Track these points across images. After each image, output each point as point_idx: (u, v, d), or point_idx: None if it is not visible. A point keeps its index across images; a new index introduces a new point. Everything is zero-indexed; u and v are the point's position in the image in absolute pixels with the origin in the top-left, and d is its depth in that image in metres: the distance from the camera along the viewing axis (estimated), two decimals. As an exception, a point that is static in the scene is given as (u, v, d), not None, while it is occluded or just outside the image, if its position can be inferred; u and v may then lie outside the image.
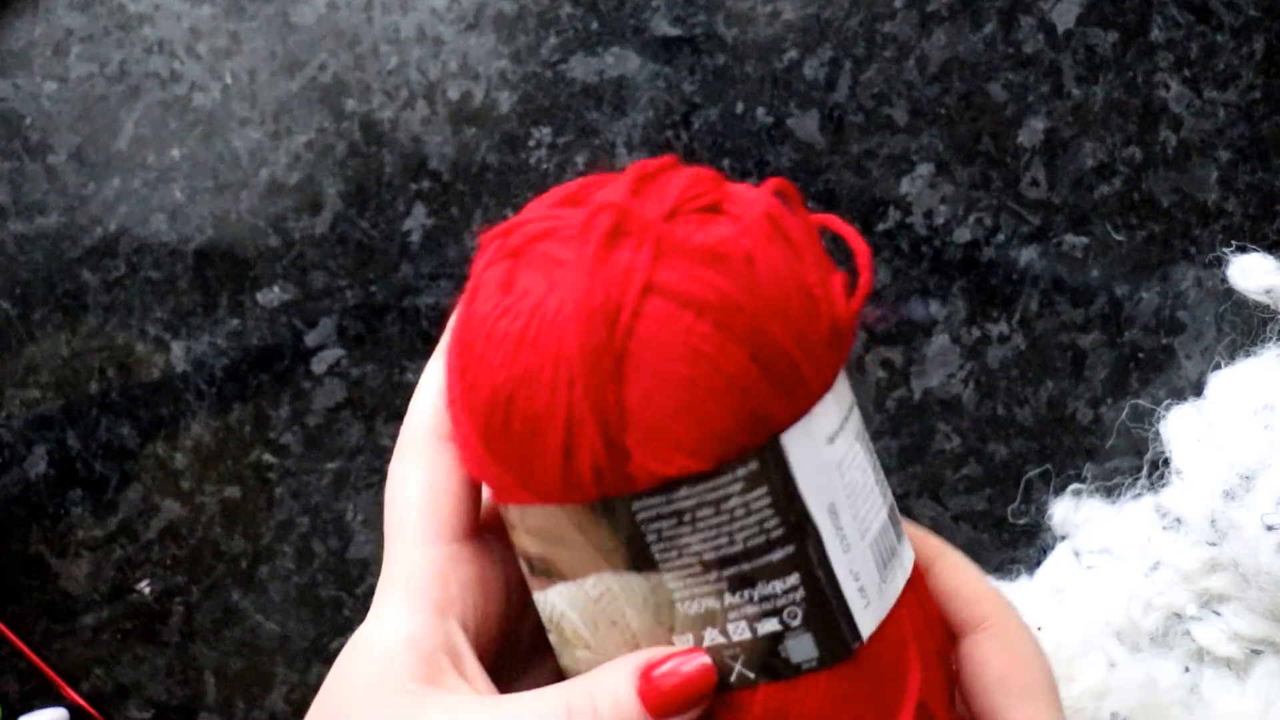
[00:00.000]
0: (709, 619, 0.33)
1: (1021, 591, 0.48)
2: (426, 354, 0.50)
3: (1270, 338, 0.48)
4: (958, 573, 0.38)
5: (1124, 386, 0.50)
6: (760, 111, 0.50)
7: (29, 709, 0.50)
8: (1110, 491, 0.48)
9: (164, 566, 0.51)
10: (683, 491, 0.32)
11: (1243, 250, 0.49)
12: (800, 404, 0.34)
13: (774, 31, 0.50)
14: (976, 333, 0.50)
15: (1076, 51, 0.50)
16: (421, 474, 0.36)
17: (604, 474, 0.32)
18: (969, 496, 0.50)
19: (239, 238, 0.51)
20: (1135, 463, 0.49)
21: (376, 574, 0.50)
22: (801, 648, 0.33)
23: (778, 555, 0.33)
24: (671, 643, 0.34)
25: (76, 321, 0.51)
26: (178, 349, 0.51)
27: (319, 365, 0.51)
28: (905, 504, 0.50)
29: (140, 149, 0.51)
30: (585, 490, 0.33)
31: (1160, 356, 0.50)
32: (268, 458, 0.51)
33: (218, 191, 0.51)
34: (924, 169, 0.50)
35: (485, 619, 0.36)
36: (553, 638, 0.36)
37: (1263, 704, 0.44)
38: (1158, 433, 0.48)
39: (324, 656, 0.51)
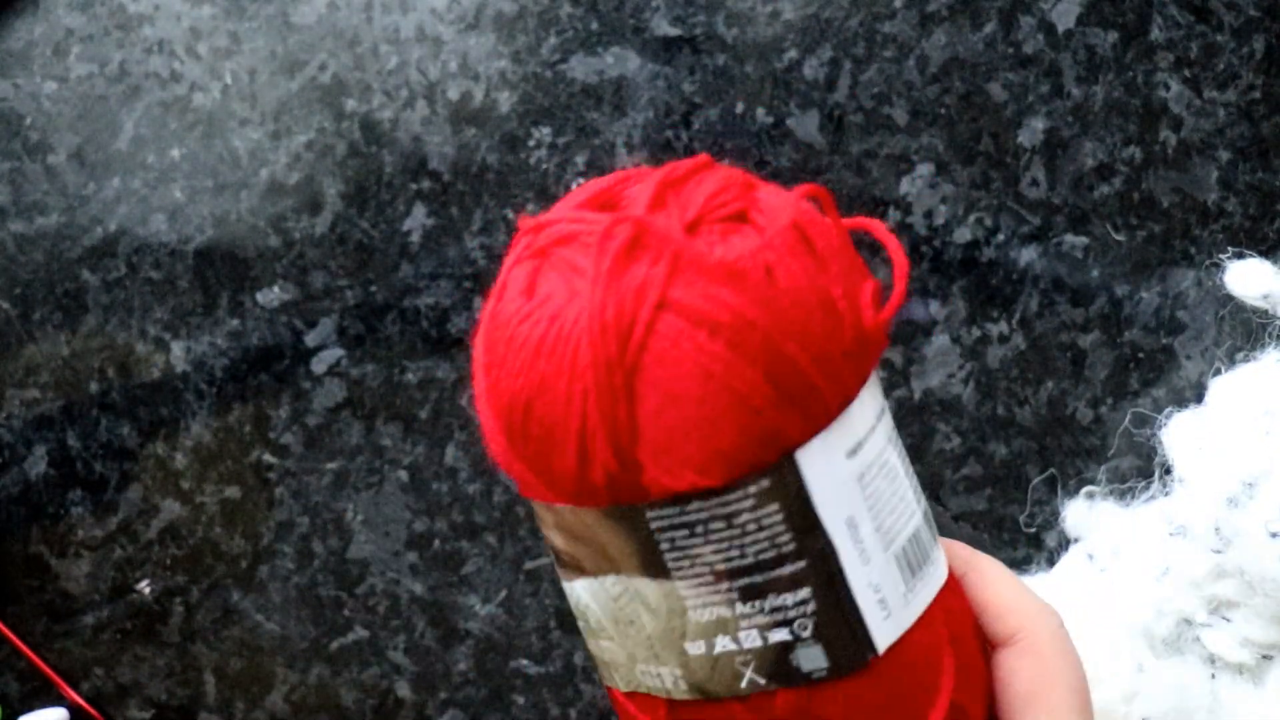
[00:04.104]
0: (720, 627, 0.33)
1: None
2: (426, 354, 0.50)
3: (1269, 342, 0.48)
4: (988, 585, 0.37)
5: (1124, 387, 0.50)
6: (760, 111, 0.50)
7: (29, 709, 0.50)
8: (1123, 494, 0.48)
9: (164, 566, 0.51)
10: (694, 505, 0.32)
11: (1239, 256, 0.49)
12: (817, 420, 0.33)
13: (774, 31, 0.50)
14: (976, 333, 0.50)
15: (1076, 51, 0.50)
16: None
17: (617, 483, 0.32)
18: (969, 496, 0.50)
19: (239, 238, 0.51)
20: (1136, 463, 0.49)
21: (376, 574, 0.50)
22: (812, 658, 0.33)
23: (788, 570, 0.33)
24: (684, 649, 0.34)
25: (76, 321, 0.51)
26: (178, 349, 0.51)
27: (319, 365, 0.51)
28: (905, 504, 0.50)
29: (140, 149, 0.51)
30: (599, 497, 0.33)
31: (1160, 357, 0.50)
32: (268, 458, 0.51)
33: (218, 191, 0.51)
34: (924, 169, 0.50)
35: None
36: (581, 624, 0.36)
37: (1283, 706, 0.44)
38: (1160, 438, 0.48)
39: (324, 656, 0.51)
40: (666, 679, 0.34)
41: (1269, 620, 0.44)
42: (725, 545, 0.33)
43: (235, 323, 0.51)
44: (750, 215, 0.34)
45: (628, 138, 0.50)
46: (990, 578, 0.37)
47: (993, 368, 0.50)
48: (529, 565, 0.50)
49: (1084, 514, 0.48)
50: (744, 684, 0.34)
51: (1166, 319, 0.50)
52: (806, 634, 0.33)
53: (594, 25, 0.50)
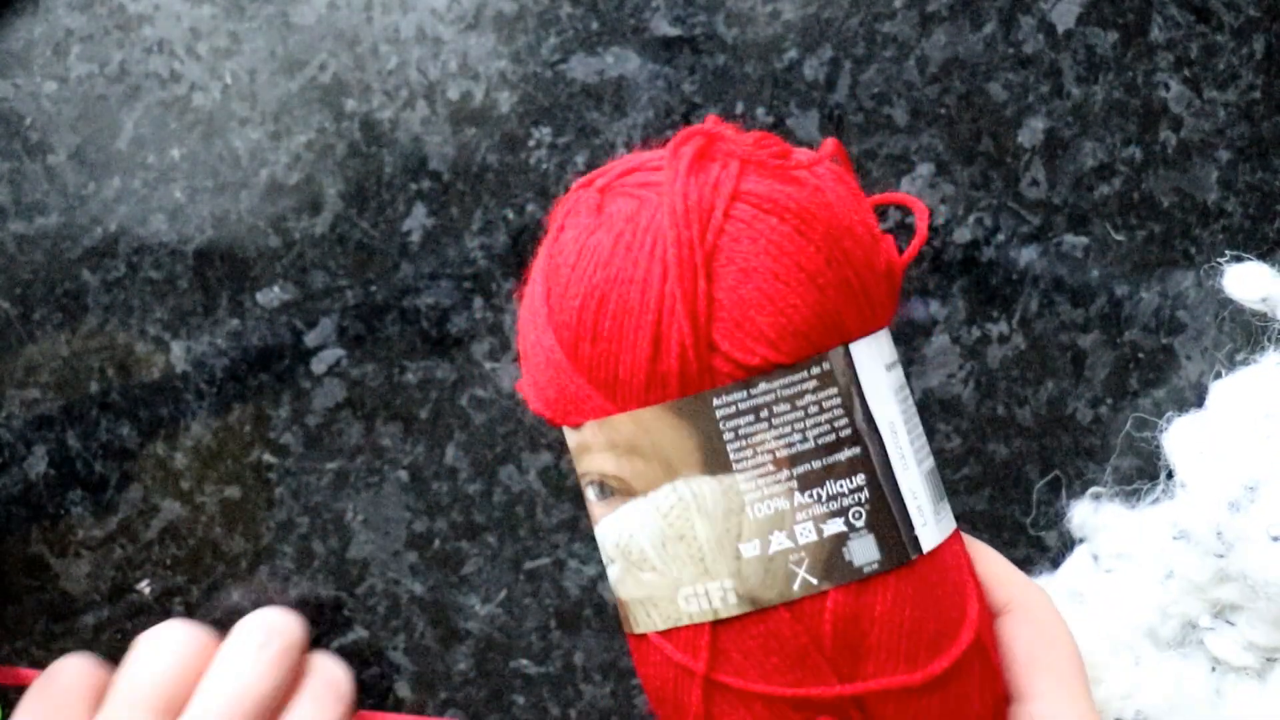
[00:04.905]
0: (777, 521, 0.34)
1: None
2: (426, 354, 0.50)
3: (1268, 345, 0.48)
4: (980, 559, 0.39)
5: (1124, 387, 0.50)
6: (760, 111, 0.50)
7: (29, 709, 0.50)
8: (1128, 497, 0.48)
9: (164, 566, 0.51)
10: (761, 386, 0.34)
11: (1238, 259, 0.49)
12: (867, 320, 0.37)
13: (774, 31, 0.50)
14: (976, 333, 0.50)
15: (1076, 51, 0.50)
16: None
17: (689, 368, 0.34)
18: (969, 496, 0.50)
19: (239, 238, 0.51)
20: (1137, 463, 0.49)
21: (376, 574, 0.50)
22: (864, 549, 0.35)
23: (845, 454, 0.35)
24: (738, 552, 0.35)
25: (76, 321, 0.51)
26: (178, 349, 0.51)
27: (319, 365, 0.51)
28: (905, 504, 0.50)
29: (140, 149, 0.51)
30: (669, 388, 0.35)
31: (1160, 356, 0.50)
32: (268, 458, 0.51)
33: (218, 191, 0.51)
34: (924, 169, 0.50)
35: None
36: (615, 569, 0.37)
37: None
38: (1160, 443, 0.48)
39: (324, 656, 0.51)
40: (714, 596, 0.35)
41: (1272, 624, 0.44)
42: (788, 430, 0.35)
43: (235, 323, 0.51)
44: (791, 156, 0.38)
45: (628, 138, 0.50)
46: (981, 553, 0.39)
47: (993, 368, 0.50)
48: (529, 565, 0.50)
49: (1089, 515, 0.48)
50: (796, 585, 0.34)
51: (1166, 319, 0.50)
52: (860, 523, 0.35)
53: (594, 25, 0.50)
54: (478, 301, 0.50)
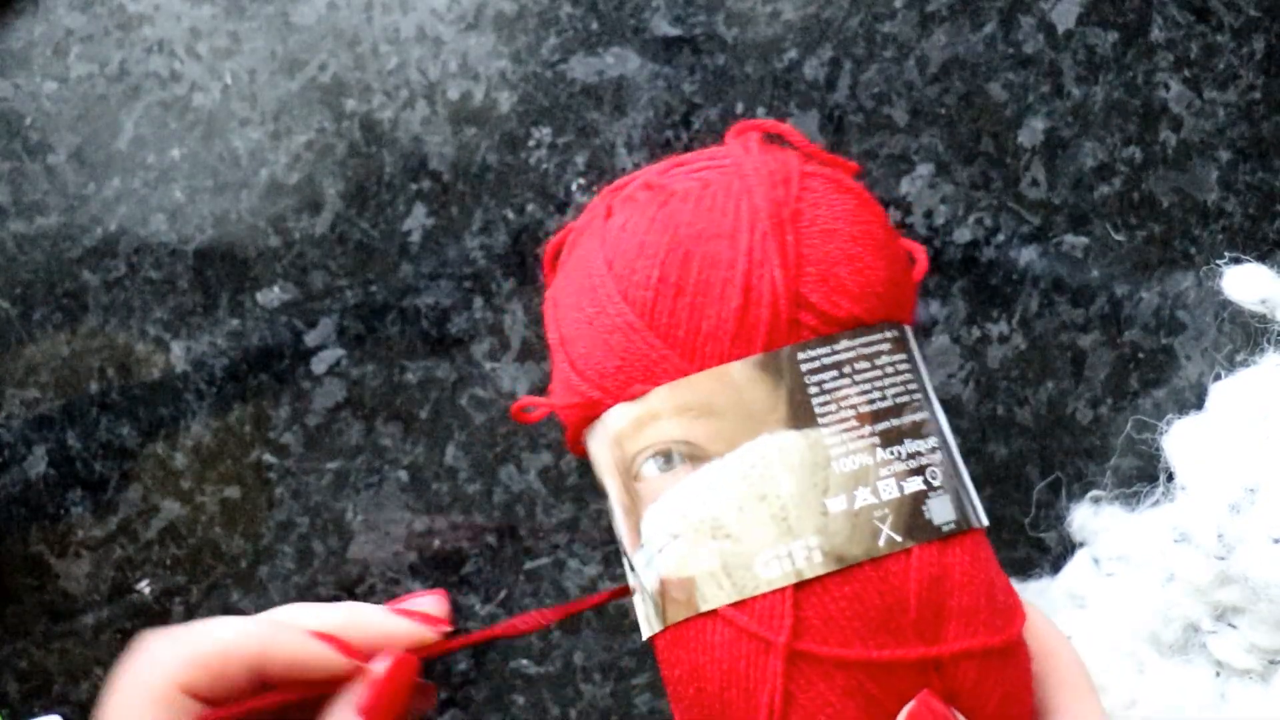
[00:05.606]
0: (861, 477, 0.35)
1: (1041, 597, 0.48)
2: (426, 354, 0.50)
3: (1267, 346, 0.48)
4: None
5: (1124, 387, 0.50)
6: (760, 111, 0.50)
7: (29, 709, 0.50)
8: (1129, 499, 0.48)
9: (164, 566, 0.51)
10: (843, 343, 0.35)
11: (1236, 261, 0.49)
12: (910, 305, 0.38)
13: (774, 31, 0.50)
14: (976, 333, 0.50)
15: (1076, 51, 0.50)
16: None
17: (780, 318, 0.35)
18: (969, 497, 0.50)
19: (239, 238, 0.51)
20: (1137, 464, 0.49)
21: (376, 574, 0.50)
22: (942, 509, 0.35)
23: (919, 416, 0.36)
24: (824, 508, 0.34)
25: (76, 321, 0.51)
26: (178, 349, 0.51)
27: (319, 365, 0.51)
28: (905, 504, 0.50)
29: (140, 149, 0.51)
30: (754, 342, 0.35)
31: (1160, 357, 0.50)
32: (268, 458, 0.51)
33: (218, 191, 0.51)
34: (924, 169, 0.50)
35: None
36: (678, 545, 0.35)
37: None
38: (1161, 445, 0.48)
39: (324, 656, 0.51)
40: (798, 555, 0.34)
41: (1274, 626, 0.44)
42: (868, 386, 0.35)
43: (235, 323, 0.51)
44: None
45: (628, 138, 0.50)
46: None
47: (993, 368, 0.50)
48: (529, 565, 0.50)
49: (1089, 518, 0.48)
50: (882, 541, 0.34)
51: (1166, 319, 0.50)
52: (937, 482, 0.35)
53: (594, 25, 0.50)
54: (478, 301, 0.50)
